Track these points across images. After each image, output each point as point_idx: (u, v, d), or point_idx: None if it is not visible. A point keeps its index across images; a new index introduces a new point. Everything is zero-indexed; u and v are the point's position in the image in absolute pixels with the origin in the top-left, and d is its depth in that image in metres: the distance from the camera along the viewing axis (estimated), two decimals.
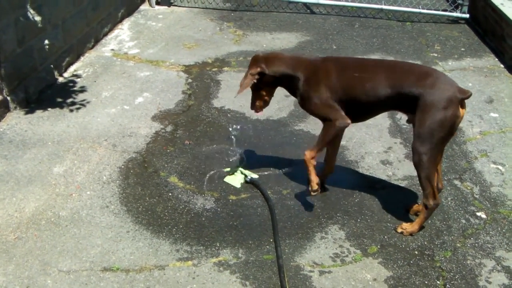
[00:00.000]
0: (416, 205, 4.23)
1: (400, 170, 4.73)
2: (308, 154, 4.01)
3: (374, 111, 4.09)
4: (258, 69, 4.05)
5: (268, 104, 4.32)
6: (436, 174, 3.92)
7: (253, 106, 4.29)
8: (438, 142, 3.76)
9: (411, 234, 3.99)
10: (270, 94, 4.26)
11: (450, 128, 3.75)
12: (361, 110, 4.00)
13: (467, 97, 3.77)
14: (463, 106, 3.77)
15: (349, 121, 3.93)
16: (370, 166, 4.78)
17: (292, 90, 4.13)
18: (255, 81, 4.07)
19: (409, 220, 4.13)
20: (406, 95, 3.77)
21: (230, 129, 4.94)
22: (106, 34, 7.22)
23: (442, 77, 3.83)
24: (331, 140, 4.04)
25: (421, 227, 4.01)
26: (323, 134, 3.99)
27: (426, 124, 3.70)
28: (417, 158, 3.79)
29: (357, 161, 4.82)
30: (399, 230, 4.02)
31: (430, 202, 3.88)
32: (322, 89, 3.92)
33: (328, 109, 3.93)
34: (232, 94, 5.81)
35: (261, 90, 4.18)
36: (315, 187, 4.04)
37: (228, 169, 4.67)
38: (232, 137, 4.84)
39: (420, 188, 4.45)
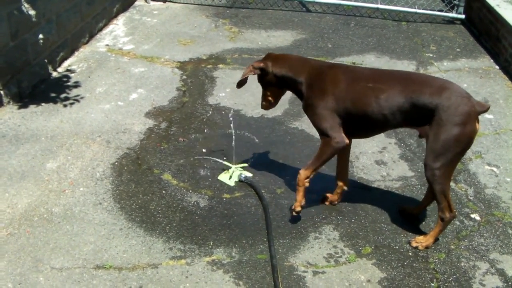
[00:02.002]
0: (410, 206, 4.22)
1: (394, 171, 4.72)
2: (302, 174, 3.90)
3: (381, 127, 3.87)
4: (261, 64, 4.02)
5: (274, 106, 4.28)
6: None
7: (262, 103, 4.25)
8: (454, 158, 3.63)
9: (426, 248, 3.87)
10: (275, 96, 4.19)
11: (467, 144, 3.63)
12: (367, 125, 3.82)
13: (486, 111, 3.68)
14: (478, 119, 3.64)
15: (347, 140, 3.82)
16: (365, 166, 4.77)
17: (298, 94, 4.04)
18: (257, 75, 4.07)
19: (403, 221, 4.12)
20: (420, 109, 3.61)
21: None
22: (100, 29, 7.18)
23: (459, 90, 3.66)
24: (327, 160, 3.89)
25: (436, 239, 3.91)
26: (320, 153, 3.86)
27: (442, 140, 3.56)
28: (430, 173, 3.66)
29: (351, 161, 4.80)
30: (414, 244, 3.88)
31: (446, 215, 3.75)
32: (327, 98, 3.79)
33: (328, 123, 3.79)
34: (227, 91, 5.80)
35: (267, 89, 4.15)
36: (299, 208, 3.98)
37: (223, 167, 4.65)
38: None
39: (414, 188, 4.47)
